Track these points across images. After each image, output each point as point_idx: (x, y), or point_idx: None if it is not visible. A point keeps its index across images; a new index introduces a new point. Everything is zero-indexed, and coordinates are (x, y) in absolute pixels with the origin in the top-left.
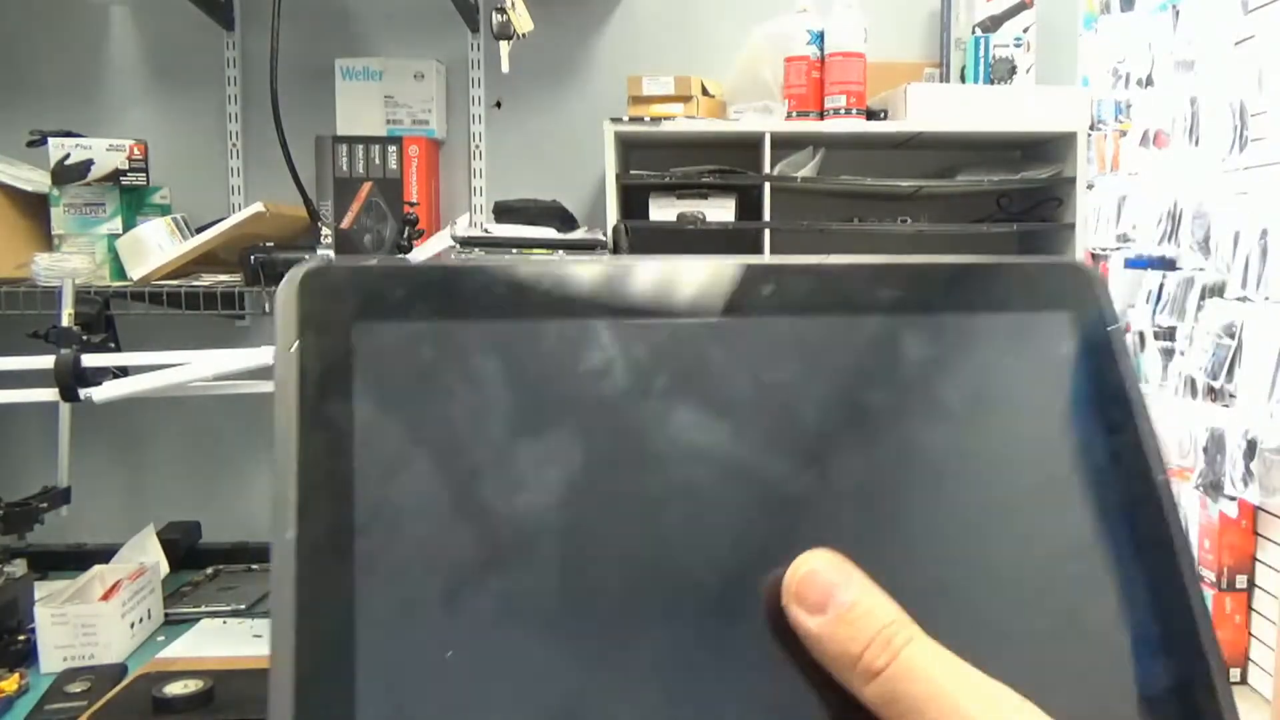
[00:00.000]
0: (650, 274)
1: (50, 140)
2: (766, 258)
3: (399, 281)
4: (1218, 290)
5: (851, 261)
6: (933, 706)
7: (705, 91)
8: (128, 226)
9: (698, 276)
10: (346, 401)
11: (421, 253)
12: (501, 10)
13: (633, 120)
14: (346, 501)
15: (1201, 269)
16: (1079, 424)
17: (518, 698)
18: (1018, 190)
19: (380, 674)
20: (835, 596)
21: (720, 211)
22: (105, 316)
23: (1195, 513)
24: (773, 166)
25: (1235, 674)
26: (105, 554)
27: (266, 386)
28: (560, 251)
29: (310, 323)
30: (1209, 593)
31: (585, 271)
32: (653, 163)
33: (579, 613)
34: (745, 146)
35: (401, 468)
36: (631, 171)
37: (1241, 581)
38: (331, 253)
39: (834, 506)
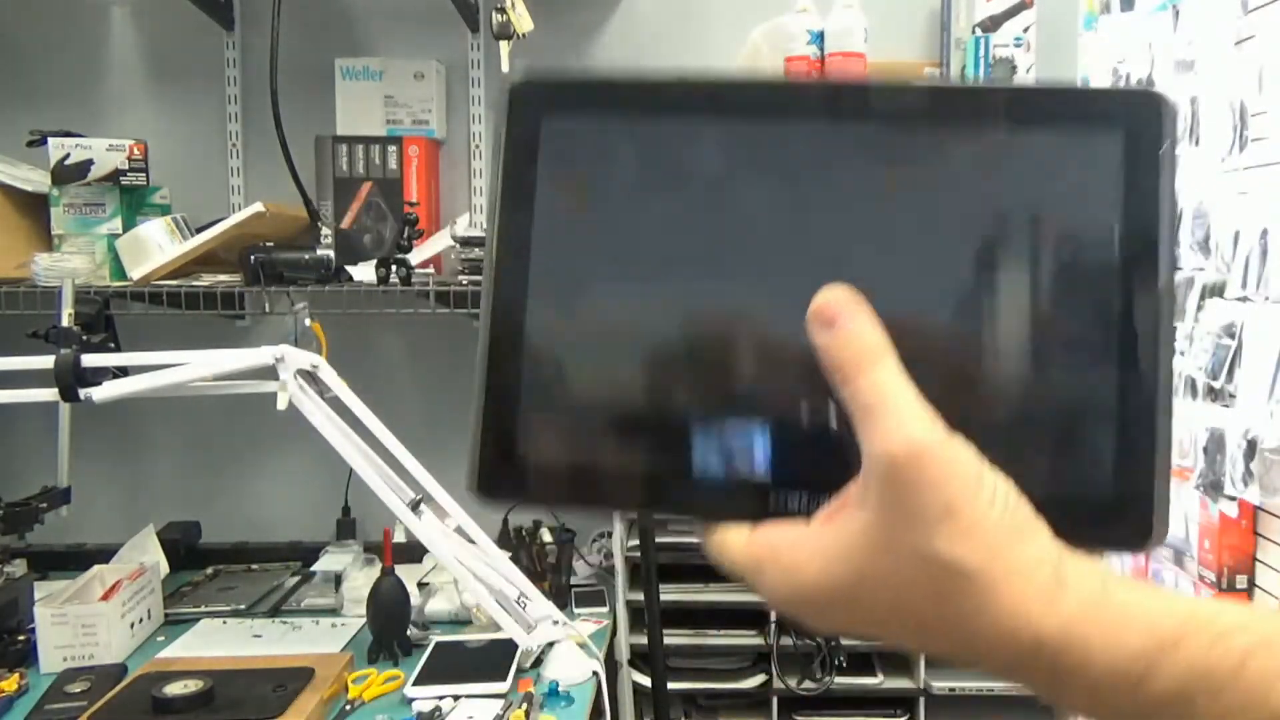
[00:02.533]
0: (777, 86)
1: (50, 140)
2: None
3: (583, 88)
4: (1218, 290)
5: (913, 82)
6: (877, 413)
7: None
8: (128, 226)
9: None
10: (532, 180)
11: (421, 253)
12: (501, 10)
13: None
14: (525, 254)
15: (1201, 269)
16: (1102, 232)
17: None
18: None
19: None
20: (839, 320)
21: None
22: (105, 316)
23: (1195, 513)
24: None
25: None
26: (105, 554)
27: (267, 386)
28: None
29: (513, 118)
30: (1208, 592)
31: (735, 82)
32: None
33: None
34: None
35: (569, 231)
36: None
37: (1241, 582)
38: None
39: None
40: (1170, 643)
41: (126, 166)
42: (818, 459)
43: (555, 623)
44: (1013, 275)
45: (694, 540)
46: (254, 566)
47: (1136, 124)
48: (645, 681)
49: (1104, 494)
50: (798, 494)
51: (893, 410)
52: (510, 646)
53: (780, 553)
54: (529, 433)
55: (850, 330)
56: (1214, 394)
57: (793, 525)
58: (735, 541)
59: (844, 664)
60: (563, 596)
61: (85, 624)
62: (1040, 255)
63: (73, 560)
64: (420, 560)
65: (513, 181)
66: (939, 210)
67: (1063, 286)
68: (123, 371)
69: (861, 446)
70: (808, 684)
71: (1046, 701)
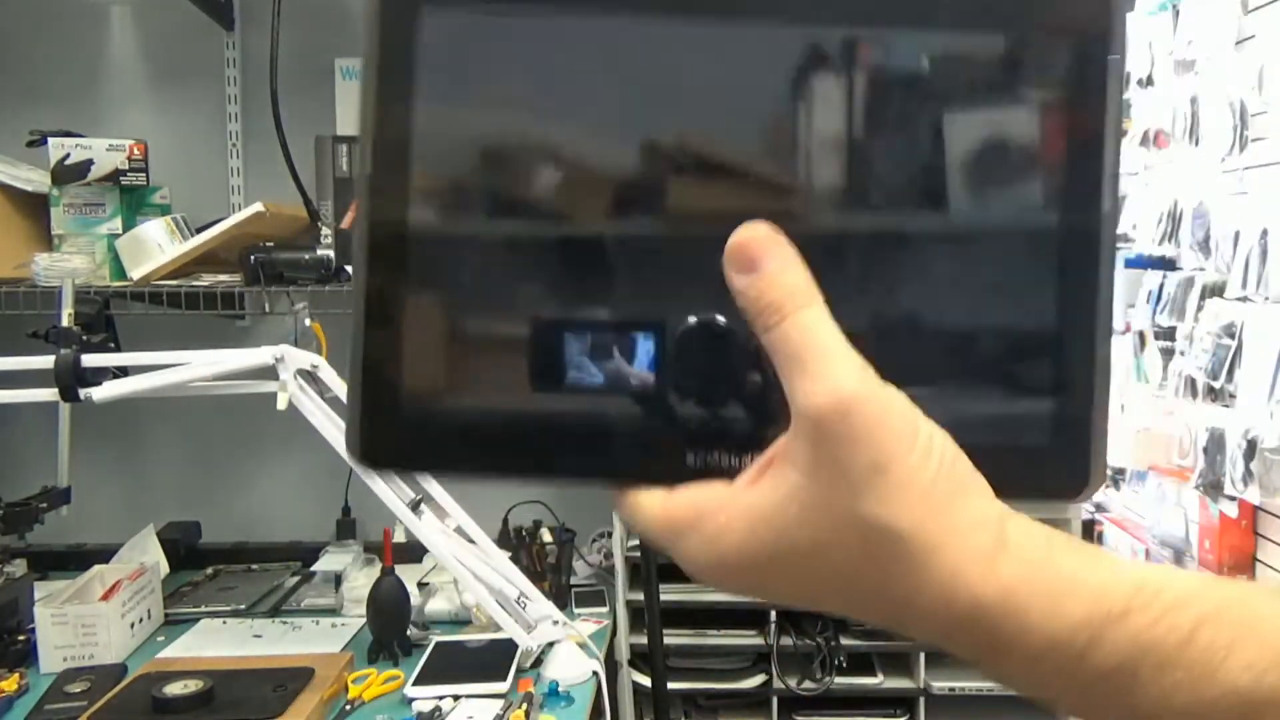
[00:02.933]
0: None
1: (50, 140)
2: None
3: None
4: (1218, 290)
5: None
6: (803, 362)
7: None
8: (128, 226)
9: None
10: (410, 72)
11: None
12: None
13: None
14: (405, 162)
15: (1201, 269)
16: (1043, 148)
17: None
18: None
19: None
20: (761, 261)
21: None
22: (105, 316)
23: (1195, 513)
24: None
25: None
26: (105, 554)
27: (267, 386)
28: None
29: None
30: None
31: None
32: None
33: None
34: None
35: (452, 119)
36: None
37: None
38: (331, 253)
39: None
40: (1116, 614)
41: (126, 166)
42: (741, 413)
43: (555, 623)
44: (944, 206)
45: None
46: (254, 566)
47: (1086, 29)
48: (645, 681)
49: (1042, 441)
50: (719, 452)
51: (820, 359)
52: (510, 646)
53: (702, 517)
54: (413, 386)
55: (772, 272)
56: (1214, 394)
57: (715, 487)
58: (650, 505)
59: (844, 664)
60: (563, 596)
61: (85, 624)
62: (975, 184)
63: (73, 560)
64: (420, 560)
65: (388, 77)
66: (864, 120)
67: (997, 217)
68: (123, 371)
69: (789, 399)
70: (808, 684)
71: (983, 672)
